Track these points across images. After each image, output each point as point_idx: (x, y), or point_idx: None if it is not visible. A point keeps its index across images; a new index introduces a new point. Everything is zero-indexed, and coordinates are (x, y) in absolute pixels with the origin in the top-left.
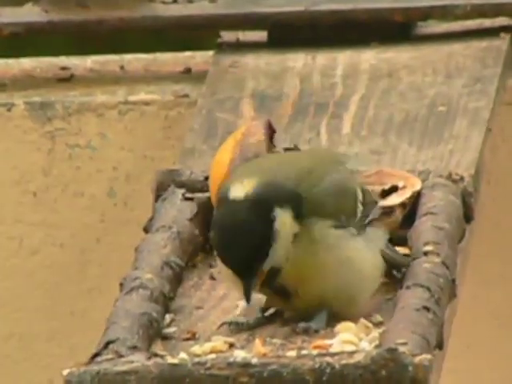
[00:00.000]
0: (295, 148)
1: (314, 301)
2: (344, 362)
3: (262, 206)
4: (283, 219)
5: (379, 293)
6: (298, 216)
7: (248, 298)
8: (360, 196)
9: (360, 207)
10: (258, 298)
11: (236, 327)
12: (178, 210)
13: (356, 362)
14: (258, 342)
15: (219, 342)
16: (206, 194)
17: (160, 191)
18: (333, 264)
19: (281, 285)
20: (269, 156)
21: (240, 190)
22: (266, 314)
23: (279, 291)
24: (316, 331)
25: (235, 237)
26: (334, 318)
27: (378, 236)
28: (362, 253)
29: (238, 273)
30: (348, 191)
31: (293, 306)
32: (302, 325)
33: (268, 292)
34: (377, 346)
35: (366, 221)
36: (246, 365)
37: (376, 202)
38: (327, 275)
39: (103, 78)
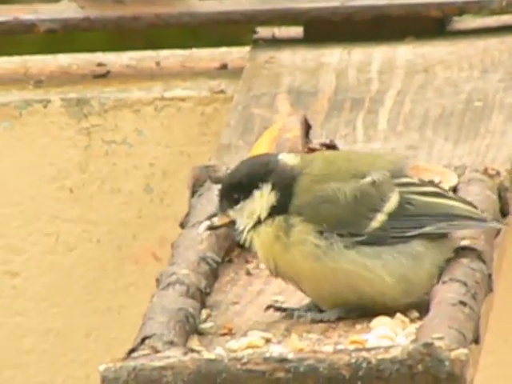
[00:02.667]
0: (331, 143)
1: (324, 300)
2: (380, 356)
3: (256, 168)
4: (263, 193)
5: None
6: (280, 207)
7: (206, 218)
8: (386, 207)
9: (380, 218)
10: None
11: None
12: (214, 206)
13: (392, 356)
14: (294, 336)
15: (255, 337)
16: None
17: (196, 187)
18: (308, 271)
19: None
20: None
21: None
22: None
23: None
24: (313, 321)
25: (230, 172)
26: (369, 313)
27: (421, 250)
28: (360, 262)
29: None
30: (342, 202)
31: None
32: (297, 313)
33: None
34: (413, 341)
35: (410, 233)
36: (282, 360)
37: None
38: (309, 281)
39: (139, 74)
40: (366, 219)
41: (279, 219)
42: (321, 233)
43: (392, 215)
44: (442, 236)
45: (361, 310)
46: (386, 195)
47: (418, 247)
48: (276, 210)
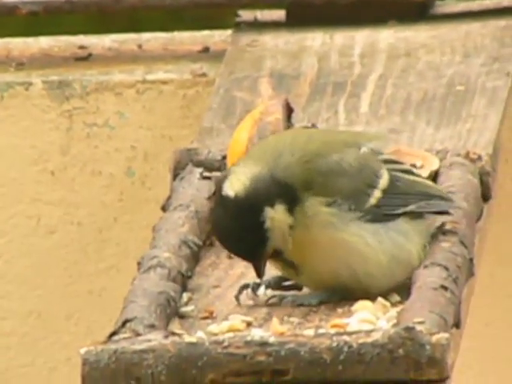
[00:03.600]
0: (313, 127)
1: (317, 278)
2: (361, 340)
3: (250, 207)
4: (274, 217)
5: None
6: (294, 205)
7: (259, 276)
8: (381, 184)
9: (376, 194)
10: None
11: (256, 288)
12: (196, 189)
13: (373, 340)
14: (275, 320)
15: (237, 320)
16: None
17: (178, 170)
18: (325, 243)
19: (290, 260)
20: (284, 134)
21: (232, 187)
22: (286, 283)
23: (290, 265)
24: (300, 305)
25: (229, 237)
26: (351, 297)
27: (413, 227)
28: (363, 237)
29: (244, 259)
30: (348, 173)
31: (304, 282)
32: (289, 298)
33: (281, 265)
34: (394, 325)
35: (398, 211)
36: (263, 343)
37: (429, 195)
38: (322, 254)
39: (121, 56)
40: (365, 195)
41: (297, 209)
42: (330, 204)
43: (385, 192)
44: (419, 216)
45: (343, 294)
46: (378, 171)
47: (404, 225)
48: (292, 208)
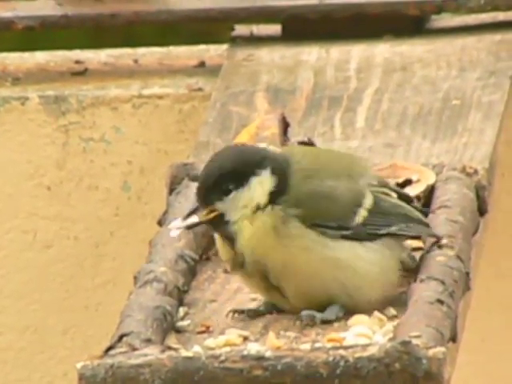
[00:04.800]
0: (309, 141)
1: (307, 299)
2: (358, 355)
3: (250, 155)
4: (261, 179)
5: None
6: (277, 195)
7: (185, 216)
8: (366, 203)
9: (362, 213)
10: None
11: (248, 314)
12: (192, 204)
13: (370, 354)
14: (271, 334)
15: (233, 335)
16: None
17: (174, 185)
18: (311, 261)
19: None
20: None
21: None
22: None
23: (269, 284)
24: (323, 322)
25: (213, 162)
26: (346, 312)
27: (394, 248)
28: (348, 255)
29: (197, 194)
30: (339, 199)
31: (291, 304)
32: (305, 312)
33: (265, 288)
34: (390, 339)
35: (382, 231)
36: (259, 358)
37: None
38: (307, 274)
39: (117, 71)
40: (352, 213)
41: (278, 209)
42: (316, 225)
43: (370, 211)
44: (398, 238)
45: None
46: (363, 192)
47: (388, 244)
48: (273, 198)
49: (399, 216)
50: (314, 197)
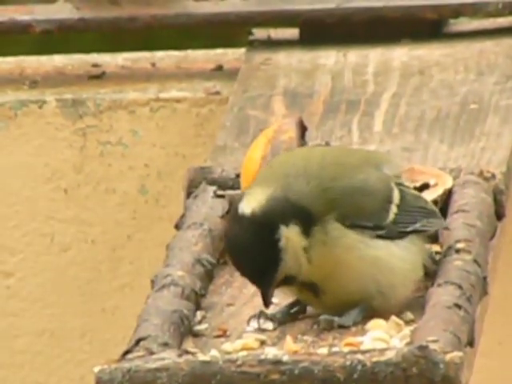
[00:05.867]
0: (326, 145)
1: (343, 298)
2: (375, 359)
3: (266, 225)
4: (289, 237)
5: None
6: (308, 227)
7: (266, 304)
8: (395, 198)
9: (393, 209)
10: (285, 294)
11: (264, 320)
12: (210, 208)
13: (387, 359)
14: (289, 339)
15: (250, 339)
16: (238, 191)
17: (191, 188)
18: (352, 262)
19: (309, 281)
20: (298, 152)
21: (248, 205)
22: (292, 311)
23: (308, 287)
24: (340, 326)
25: (244, 255)
26: (366, 316)
27: (418, 245)
28: (386, 253)
29: (254, 284)
30: (373, 192)
31: (323, 303)
32: (323, 317)
33: (298, 287)
34: (408, 344)
35: (409, 229)
36: (277, 362)
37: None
38: (349, 273)
39: (135, 75)
40: (385, 211)
41: (316, 229)
42: (355, 226)
43: (398, 207)
44: (421, 234)
45: (366, 311)
46: (391, 186)
47: (414, 241)
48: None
49: (420, 210)
50: (346, 194)
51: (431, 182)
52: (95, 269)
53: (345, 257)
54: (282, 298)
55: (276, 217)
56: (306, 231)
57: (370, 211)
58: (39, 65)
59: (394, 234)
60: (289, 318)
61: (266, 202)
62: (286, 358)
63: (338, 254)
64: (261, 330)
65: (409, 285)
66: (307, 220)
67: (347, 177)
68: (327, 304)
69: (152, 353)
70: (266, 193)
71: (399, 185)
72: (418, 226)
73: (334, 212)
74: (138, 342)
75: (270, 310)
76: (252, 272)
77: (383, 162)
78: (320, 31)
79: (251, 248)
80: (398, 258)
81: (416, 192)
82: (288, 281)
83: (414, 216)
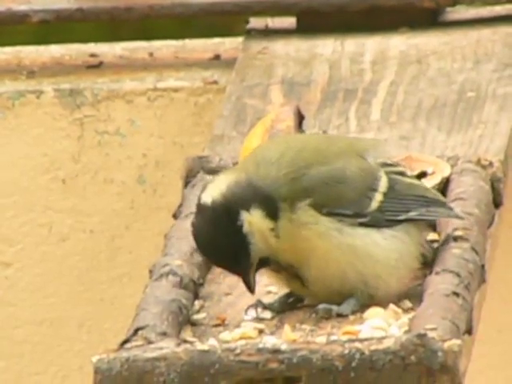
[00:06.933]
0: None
1: (328, 286)
2: (373, 347)
3: (226, 212)
4: (251, 221)
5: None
6: (275, 212)
7: (251, 290)
8: (381, 186)
9: (378, 198)
10: (277, 285)
11: (262, 309)
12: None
13: (385, 347)
14: (287, 327)
15: (249, 328)
16: None
17: (189, 178)
18: (324, 249)
19: (286, 263)
20: (281, 139)
21: (209, 194)
22: (290, 300)
23: (289, 272)
24: (339, 315)
25: (210, 246)
26: (364, 304)
27: (413, 234)
28: (366, 241)
29: (231, 272)
30: (352, 180)
31: (313, 294)
32: (322, 306)
33: (286, 279)
34: (406, 332)
35: (401, 217)
36: (275, 351)
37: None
38: (327, 260)
39: (132, 64)
40: (367, 198)
41: (283, 214)
42: (332, 214)
43: (386, 195)
44: (418, 222)
45: (366, 300)
46: (377, 174)
47: (408, 230)
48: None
49: (417, 198)
50: (323, 182)
51: (429, 171)
52: (94, 259)
53: (318, 243)
54: (279, 288)
55: (235, 203)
56: (273, 215)
57: (349, 199)
58: (37, 55)
59: (381, 222)
60: (287, 307)
61: (226, 188)
62: (284, 347)
63: (308, 237)
64: (259, 319)
65: (397, 274)
66: (272, 204)
67: (324, 164)
68: (317, 294)
69: (150, 342)
70: (229, 180)
71: (391, 173)
72: (412, 214)
73: (309, 199)
74: (136, 331)
75: (268, 300)
76: (224, 261)
77: (368, 149)
78: (317, 20)
79: (216, 237)
80: (381, 247)
81: (414, 180)
82: (264, 263)
83: (405, 204)
